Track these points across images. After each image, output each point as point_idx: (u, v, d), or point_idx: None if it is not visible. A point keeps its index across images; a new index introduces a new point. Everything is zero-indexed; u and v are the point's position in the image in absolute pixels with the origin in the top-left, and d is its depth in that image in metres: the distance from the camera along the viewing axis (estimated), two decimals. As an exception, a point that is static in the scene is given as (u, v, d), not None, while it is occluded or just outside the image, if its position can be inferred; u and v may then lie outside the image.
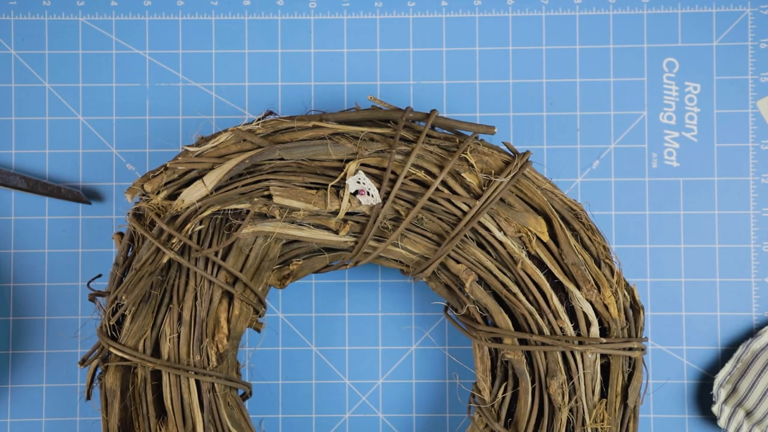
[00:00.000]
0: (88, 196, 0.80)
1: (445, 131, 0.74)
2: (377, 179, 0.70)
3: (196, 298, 0.71)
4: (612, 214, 0.80)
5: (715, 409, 0.77)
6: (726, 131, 0.80)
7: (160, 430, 0.70)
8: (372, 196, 0.70)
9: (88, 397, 0.72)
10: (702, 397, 0.79)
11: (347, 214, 0.71)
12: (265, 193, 0.70)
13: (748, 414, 0.78)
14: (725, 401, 0.78)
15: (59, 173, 0.80)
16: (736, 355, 0.77)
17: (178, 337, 0.70)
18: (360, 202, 0.70)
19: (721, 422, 0.77)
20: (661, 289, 0.80)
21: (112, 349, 0.70)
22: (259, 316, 0.74)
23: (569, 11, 0.80)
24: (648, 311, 0.79)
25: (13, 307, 0.80)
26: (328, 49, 0.81)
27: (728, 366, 0.77)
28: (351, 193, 0.70)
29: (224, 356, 0.71)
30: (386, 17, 0.81)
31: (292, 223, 0.71)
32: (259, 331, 0.75)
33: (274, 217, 0.70)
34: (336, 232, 0.72)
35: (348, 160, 0.70)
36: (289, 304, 0.80)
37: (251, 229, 0.70)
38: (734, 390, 0.78)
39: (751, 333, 0.79)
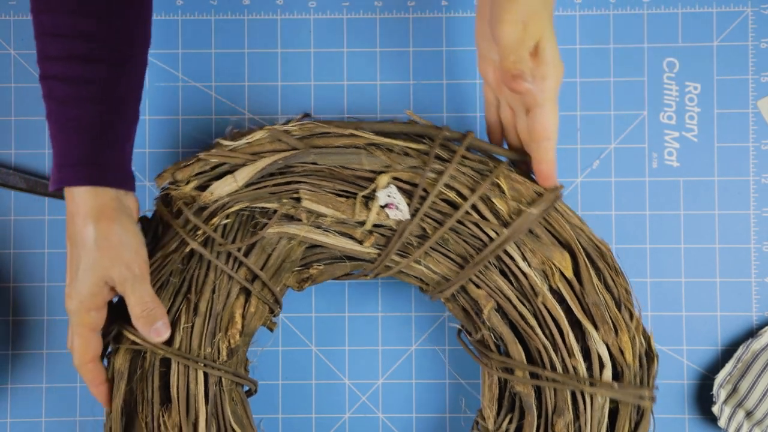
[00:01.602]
0: (88, 196, 0.80)
1: (479, 154, 0.73)
2: (408, 195, 0.70)
3: (213, 291, 0.71)
4: (612, 214, 0.80)
5: (715, 409, 0.77)
6: (726, 131, 0.80)
7: (163, 416, 0.70)
8: (401, 210, 0.70)
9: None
10: (702, 397, 0.79)
11: (374, 225, 0.71)
12: (295, 195, 0.70)
13: (749, 414, 0.78)
14: (725, 401, 0.78)
15: (59, 173, 0.80)
16: (736, 355, 0.77)
17: (192, 327, 0.71)
18: (388, 216, 0.70)
19: (722, 422, 0.77)
20: (661, 289, 0.80)
21: (125, 332, 0.70)
22: (274, 316, 0.74)
23: (569, 11, 0.80)
24: (648, 311, 0.79)
25: (13, 307, 0.80)
26: (328, 49, 0.81)
27: (728, 366, 0.77)
28: (380, 206, 0.70)
29: (235, 351, 0.71)
30: (386, 17, 0.81)
31: (318, 228, 0.71)
32: (272, 330, 0.75)
33: (300, 220, 0.70)
34: (360, 243, 0.72)
35: (381, 172, 0.70)
36: (290, 305, 0.80)
37: (277, 230, 0.70)
38: (734, 390, 0.78)
39: (751, 333, 0.79)
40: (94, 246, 0.66)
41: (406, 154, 0.71)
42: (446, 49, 0.80)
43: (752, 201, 0.79)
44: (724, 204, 0.80)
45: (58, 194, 0.79)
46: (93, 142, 0.67)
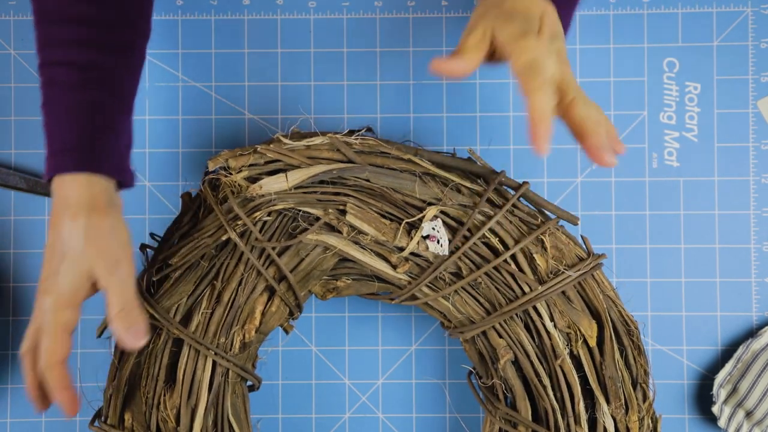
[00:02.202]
0: (88, 196, 0.80)
1: (530, 206, 0.73)
2: (452, 231, 0.71)
3: (240, 283, 0.71)
4: (612, 214, 0.80)
5: (715, 409, 0.77)
6: (726, 131, 0.80)
7: (165, 395, 0.70)
8: (441, 245, 0.70)
9: (99, 336, 0.72)
10: (702, 397, 0.79)
11: (411, 253, 0.71)
12: (341, 207, 0.70)
13: (748, 414, 0.78)
14: (725, 401, 0.78)
15: (59, 173, 0.80)
16: (736, 355, 0.77)
17: (211, 314, 0.71)
18: (428, 247, 0.70)
19: (721, 422, 0.77)
20: (661, 289, 0.79)
21: (146, 305, 0.70)
22: (293, 319, 0.74)
23: None
24: (648, 311, 0.79)
25: (13, 307, 0.80)
26: (328, 49, 0.81)
27: (728, 366, 0.77)
28: (423, 236, 0.70)
29: (248, 346, 0.72)
30: (386, 17, 0.81)
31: (356, 243, 0.71)
32: (288, 332, 0.75)
33: (341, 232, 0.71)
34: (394, 267, 0.72)
35: (430, 204, 0.70)
36: (289, 304, 0.80)
37: (315, 237, 0.71)
38: (734, 390, 0.78)
39: (751, 333, 0.79)
40: (83, 237, 0.63)
41: (459, 191, 0.71)
42: (446, 49, 0.80)
43: (752, 201, 0.79)
44: (724, 204, 0.80)
45: None
46: (90, 128, 0.65)
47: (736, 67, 0.80)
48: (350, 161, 0.70)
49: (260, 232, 0.71)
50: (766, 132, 0.80)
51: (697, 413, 0.79)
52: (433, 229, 0.70)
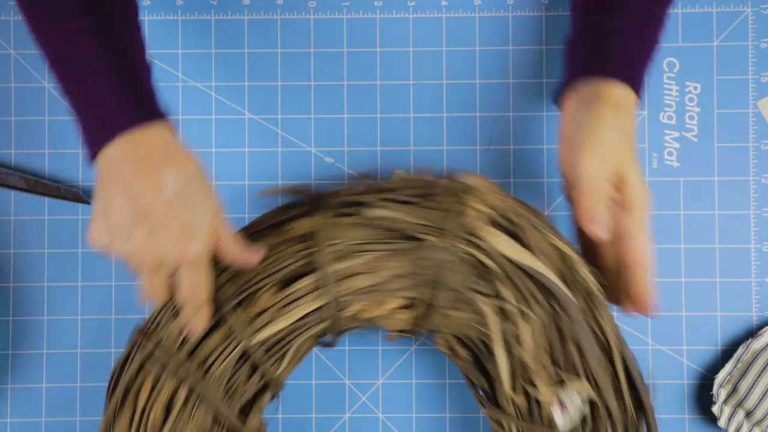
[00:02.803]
0: (88, 196, 0.80)
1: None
2: (583, 416, 0.68)
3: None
4: (612, 214, 0.80)
5: (715, 409, 0.77)
6: (726, 131, 0.80)
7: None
8: (564, 420, 0.67)
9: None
10: (702, 397, 0.79)
11: (535, 399, 0.69)
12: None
13: (748, 414, 0.78)
14: (725, 401, 0.78)
15: (59, 173, 0.80)
16: (736, 355, 0.77)
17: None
18: (552, 411, 0.68)
19: (721, 422, 0.77)
20: (661, 289, 0.79)
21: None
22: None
23: (569, 11, 0.80)
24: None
25: (13, 307, 0.80)
26: (328, 49, 0.81)
27: (728, 366, 0.77)
28: (558, 397, 0.68)
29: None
30: (386, 17, 0.81)
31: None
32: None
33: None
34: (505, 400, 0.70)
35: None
36: (289, 304, 0.80)
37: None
38: (734, 390, 0.78)
39: (751, 333, 0.79)
40: (201, 171, 0.62)
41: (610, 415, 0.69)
42: (446, 49, 0.80)
43: (752, 201, 0.80)
44: (724, 204, 0.80)
45: (57, 193, 0.79)
46: (150, 79, 0.64)
47: (736, 67, 0.80)
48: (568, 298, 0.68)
49: None
50: (766, 132, 0.80)
51: (697, 413, 0.79)
52: (571, 401, 0.68)
